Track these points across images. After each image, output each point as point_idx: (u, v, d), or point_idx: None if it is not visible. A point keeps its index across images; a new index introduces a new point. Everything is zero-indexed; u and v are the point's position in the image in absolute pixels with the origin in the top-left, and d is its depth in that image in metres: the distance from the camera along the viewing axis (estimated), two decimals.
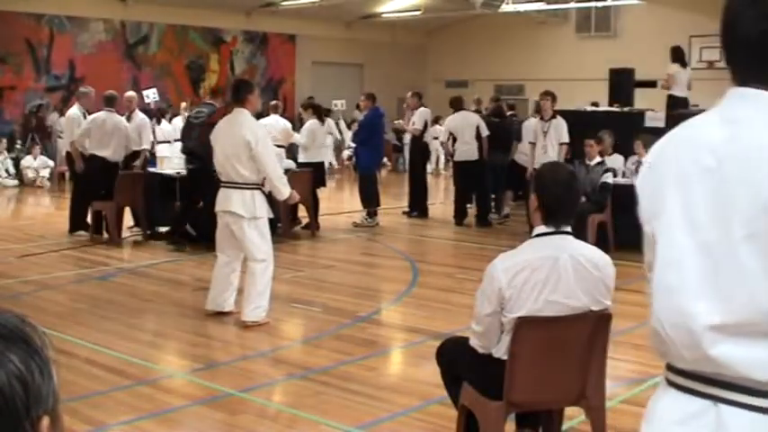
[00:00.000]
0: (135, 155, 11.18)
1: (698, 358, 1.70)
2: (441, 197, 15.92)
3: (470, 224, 12.23)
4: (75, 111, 11.08)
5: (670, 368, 1.79)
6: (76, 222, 10.80)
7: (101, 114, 10.49)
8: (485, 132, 12.20)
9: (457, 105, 12.59)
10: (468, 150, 12.11)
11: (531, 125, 12.62)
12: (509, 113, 14.01)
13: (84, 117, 10.91)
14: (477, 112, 13.90)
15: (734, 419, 1.69)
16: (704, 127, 1.78)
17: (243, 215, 6.33)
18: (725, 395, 1.70)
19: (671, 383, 1.78)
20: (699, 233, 1.69)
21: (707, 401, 1.72)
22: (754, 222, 1.64)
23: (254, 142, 6.30)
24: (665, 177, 1.77)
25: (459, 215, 12.38)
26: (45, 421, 1.00)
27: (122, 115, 11.00)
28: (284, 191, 6.55)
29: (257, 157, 6.32)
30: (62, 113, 18.19)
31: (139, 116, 11.50)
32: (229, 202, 6.37)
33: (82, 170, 10.66)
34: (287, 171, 11.19)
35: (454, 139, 12.32)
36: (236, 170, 6.36)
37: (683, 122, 1.89)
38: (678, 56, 12.50)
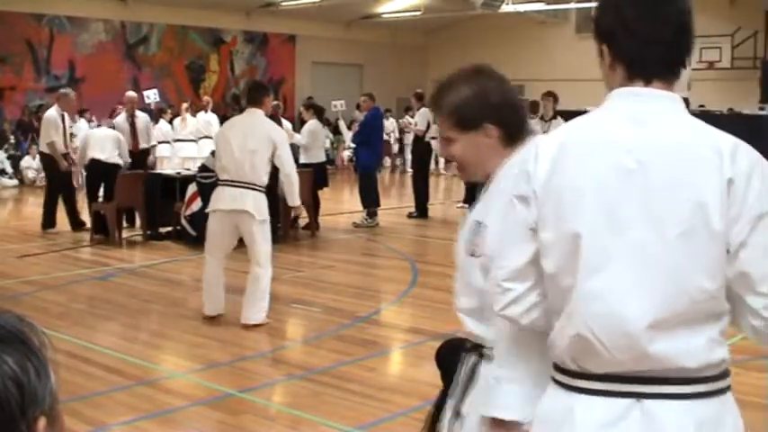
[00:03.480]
0: (145, 153, 11.27)
1: (633, 358, 1.72)
2: (440, 197, 15.92)
3: None
4: (52, 112, 11.06)
5: (580, 376, 1.78)
6: (50, 220, 11.01)
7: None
8: None
9: None
10: None
11: (533, 128, 12.62)
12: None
13: (63, 119, 11.00)
14: None
15: (662, 411, 1.72)
16: (612, 128, 1.78)
17: (256, 216, 6.27)
18: (650, 390, 1.73)
19: (581, 390, 1.78)
20: (628, 233, 1.70)
21: (629, 400, 1.74)
22: (688, 221, 1.68)
23: (279, 144, 6.35)
24: (576, 182, 1.74)
25: None
26: (42, 422, 1.00)
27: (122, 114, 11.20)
28: (297, 198, 6.67)
29: (282, 158, 6.37)
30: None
31: (142, 115, 11.64)
32: (242, 201, 6.25)
33: (66, 169, 10.88)
34: None
35: None
36: (253, 170, 6.25)
37: (565, 126, 1.89)
38: None
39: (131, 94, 11.97)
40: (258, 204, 6.28)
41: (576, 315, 1.74)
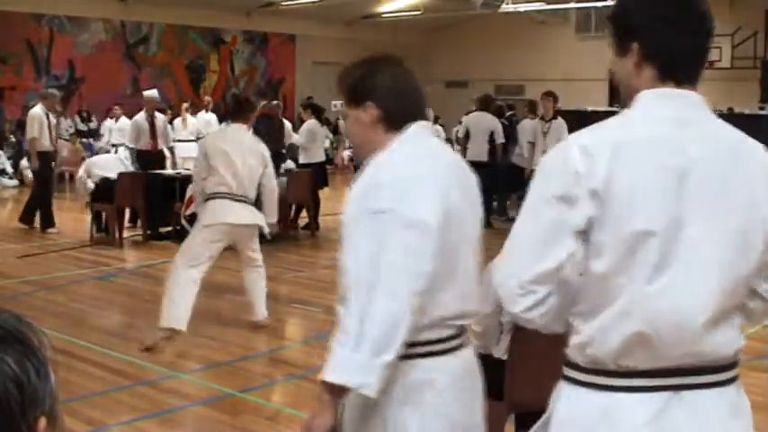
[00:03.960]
0: (162, 154, 11.38)
1: (685, 352, 1.77)
2: None
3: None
4: (37, 110, 11.13)
5: (618, 374, 1.80)
6: (29, 218, 11.18)
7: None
8: (499, 139, 12.05)
9: (479, 104, 12.49)
10: (476, 151, 12.01)
11: (525, 126, 12.62)
12: (508, 114, 14.00)
13: (47, 117, 11.08)
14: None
15: (699, 400, 1.79)
16: (661, 129, 1.79)
17: (263, 228, 6.30)
18: (687, 381, 1.79)
19: (619, 389, 1.80)
20: (686, 231, 1.74)
21: (668, 393, 1.78)
22: (743, 217, 1.76)
23: (269, 160, 6.40)
24: (636, 182, 1.74)
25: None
26: (42, 422, 1.00)
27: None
28: (276, 214, 6.64)
29: (271, 174, 6.38)
30: (62, 114, 18.21)
31: (160, 116, 11.77)
32: (252, 216, 6.24)
33: (37, 168, 11.12)
34: (287, 171, 11.24)
35: (467, 137, 12.20)
36: (252, 184, 6.25)
37: (609, 124, 1.86)
38: None
39: (151, 93, 11.92)
40: (257, 215, 6.31)
41: (637, 313, 1.75)
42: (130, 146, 11.88)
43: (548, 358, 3.47)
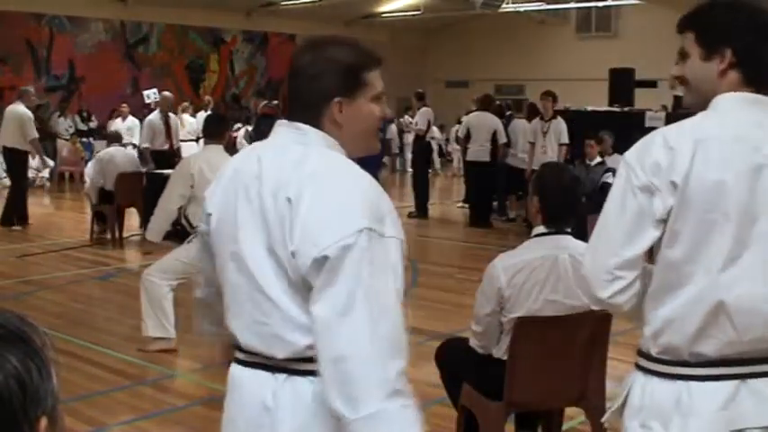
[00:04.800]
0: (173, 153, 11.36)
1: (754, 339, 1.91)
2: (438, 197, 15.91)
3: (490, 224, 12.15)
4: (25, 109, 11.29)
5: (689, 364, 1.93)
6: (7, 217, 11.23)
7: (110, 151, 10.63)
8: (502, 139, 12.03)
9: (479, 104, 12.49)
10: (477, 151, 12.01)
11: (517, 126, 12.63)
12: (508, 113, 14.00)
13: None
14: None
15: (765, 387, 1.93)
16: (740, 128, 1.93)
17: None
18: (753, 370, 1.92)
19: (690, 377, 1.93)
20: (758, 224, 1.89)
21: (735, 381, 1.92)
22: None
23: None
24: (718, 176, 1.88)
25: (474, 216, 12.29)
26: (43, 422, 1.00)
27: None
28: None
29: None
30: (62, 113, 18.23)
31: (172, 115, 11.82)
32: None
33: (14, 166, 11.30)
34: None
35: (468, 138, 12.20)
36: None
37: (692, 121, 1.99)
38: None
39: (168, 94, 11.91)
40: None
41: (710, 300, 1.89)
42: (145, 146, 11.87)
43: (547, 358, 3.48)
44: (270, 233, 1.86)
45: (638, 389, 2.02)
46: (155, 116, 11.62)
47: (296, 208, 1.82)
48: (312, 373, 1.84)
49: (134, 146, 14.24)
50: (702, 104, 2.02)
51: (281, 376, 1.89)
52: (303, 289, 1.83)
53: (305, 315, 1.83)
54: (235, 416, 1.98)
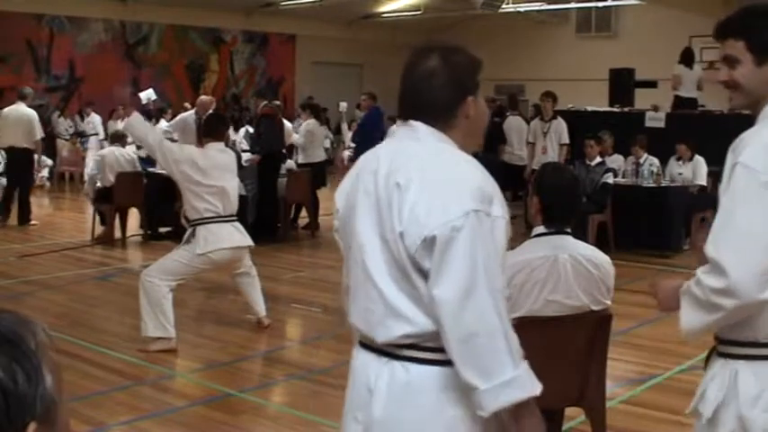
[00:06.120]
0: None
1: None
2: None
3: None
4: (29, 110, 11.56)
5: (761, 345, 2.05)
6: (24, 216, 11.46)
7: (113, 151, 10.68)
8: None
9: None
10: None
11: (512, 123, 12.64)
12: (507, 113, 14.02)
13: None
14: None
15: None
16: None
17: (251, 244, 6.28)
18: None
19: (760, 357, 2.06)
20: None
21: None
22: None
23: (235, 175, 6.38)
24: None
25: None
26: (32, 428, 0.98)
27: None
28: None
29: (236, 189, 6.31)
30: (62, 113, 18.23)
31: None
32: (241, 237, 6.15)
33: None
34: (288, 171, 11.23)
35: None
36: (236, 200, 6.21)
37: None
38: (685, 57, 12.49)
39: (206, 98, 11.77)
40: (247, 235, 6.28)
41: None
42: (168, 133, 11.85)
43: (548, 358, 3.48)
44: (382, 220, 2.01)
45: (748, 377, 2.06)
46: (191, 116, 11.50)
47: (405, 192, 1.96)
48: (408, 359, 2.01)
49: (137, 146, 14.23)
50: (752, 106, 2.16)
51: (383, 360, 2.04)
52: (410, 273, 1.97)
53: (405, 303, 1.98)
54: (350, 393, 2.17)
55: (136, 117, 6.17)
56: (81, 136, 17.85)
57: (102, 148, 13.91)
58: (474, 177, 1.99)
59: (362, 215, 2.07)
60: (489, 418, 1.97)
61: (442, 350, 1.98)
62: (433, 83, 2.09)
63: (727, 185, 2.06)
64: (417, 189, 1.96)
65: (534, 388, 1.97)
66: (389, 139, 2.17)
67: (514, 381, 1.93)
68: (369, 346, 2.09)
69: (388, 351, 2.03)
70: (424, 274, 1.95)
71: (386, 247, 2.00)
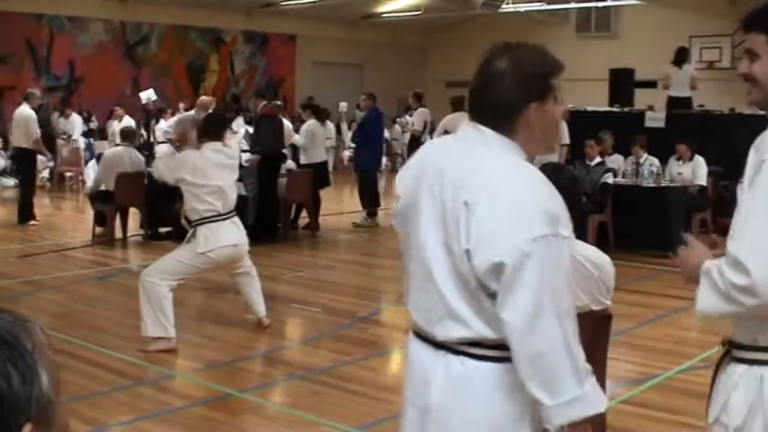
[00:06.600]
0: None
1: None
2: None
3: None
4: (30, 110, 11.60)
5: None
6: (29, 214, 11.58)
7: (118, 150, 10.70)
8: None
9: (457, 105, 12.52)
10: None
11: None
12: None
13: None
14: None
15: None
16: None
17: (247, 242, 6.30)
18: None
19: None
20: None
21: None
22: None
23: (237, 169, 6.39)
24: None
25: None
26: (26, 429, 0.97)
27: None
28: None
29: (233, 185, 6.29)
30: (62, 113, 18.21)
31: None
32: (240, 235, 6.14)
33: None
34: (288, 172, 11.24)
35: None
36: (234, 198, 6.19)
37: None
38: (676, 56, 12.47)
39: (207, 98, 11.77)
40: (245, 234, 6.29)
41: None
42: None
43: None
44: (447, 230, 2.02)
45: None
46: (197, 115, 11.48)
47: (472, 211, 1.96)
48: (465, 354, 2.05)
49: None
50: None
51: (440, 352, 2.09)
52: (474, 287, 2.00)
53: (466, 311, 2.02)
54: (408, 381, 2.24)
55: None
56: (87, 136, 17.86)
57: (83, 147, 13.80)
58: (541, 198, 1.98)
59: (427, 217, 2.08)
60: (536, 423, 2.04)
61: (497, 348, 2.02)
62: (499, 85, 2.09)
63: (750, 183, 2.00)
64: (485, 209, 1.96)
65: (598, 405, 2.04)
66: (459, 136, 2.20)
67: (579, 399, 1.99)
68: (425, 338, 2.15)
69: (445, 345, 2.09)
70: (488, 291, 1.98)
71: (450, 257, 2.02)
